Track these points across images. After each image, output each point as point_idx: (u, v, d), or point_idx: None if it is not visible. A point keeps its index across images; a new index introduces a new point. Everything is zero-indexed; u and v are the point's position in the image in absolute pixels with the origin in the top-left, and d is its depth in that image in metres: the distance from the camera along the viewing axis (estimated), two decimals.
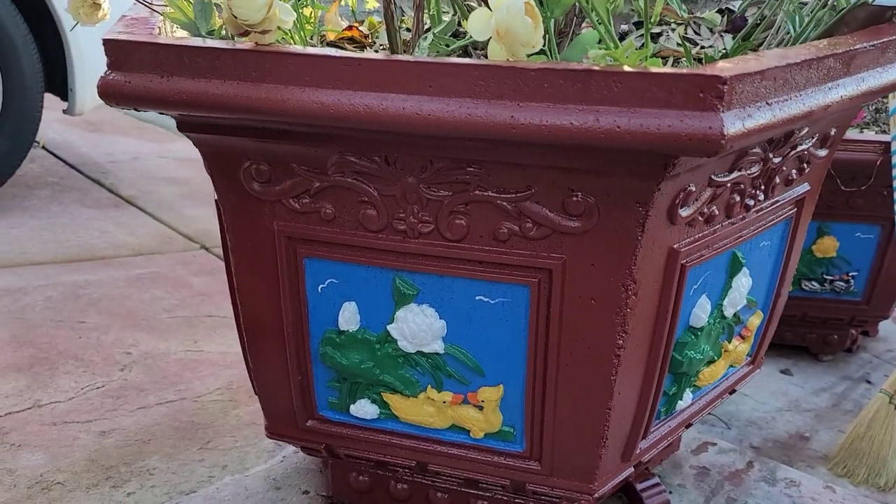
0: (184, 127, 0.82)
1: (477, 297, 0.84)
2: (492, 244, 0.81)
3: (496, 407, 0.90)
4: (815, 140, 0.94)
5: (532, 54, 0.69)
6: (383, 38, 1.07)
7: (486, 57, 0.71)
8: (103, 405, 1.57)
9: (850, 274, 1.97)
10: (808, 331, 2.06)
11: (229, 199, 0.87)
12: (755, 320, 1.05)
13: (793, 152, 0.90)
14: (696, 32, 1.13)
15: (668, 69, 0.63)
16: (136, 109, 0.80)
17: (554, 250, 0.79)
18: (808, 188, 1.00)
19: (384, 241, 0.84)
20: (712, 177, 0.80)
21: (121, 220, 2.81)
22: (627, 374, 0.85)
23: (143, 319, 2.00)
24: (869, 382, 2.02)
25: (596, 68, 0.64)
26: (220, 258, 2.54)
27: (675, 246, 0.81)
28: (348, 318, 0.89)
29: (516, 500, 1.04)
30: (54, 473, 1.33)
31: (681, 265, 0.82)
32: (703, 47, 1.03)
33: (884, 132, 1.80)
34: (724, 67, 0.63)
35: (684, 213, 0.78)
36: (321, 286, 0.89)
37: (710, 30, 1.13)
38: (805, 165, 0.96)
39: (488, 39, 0.70)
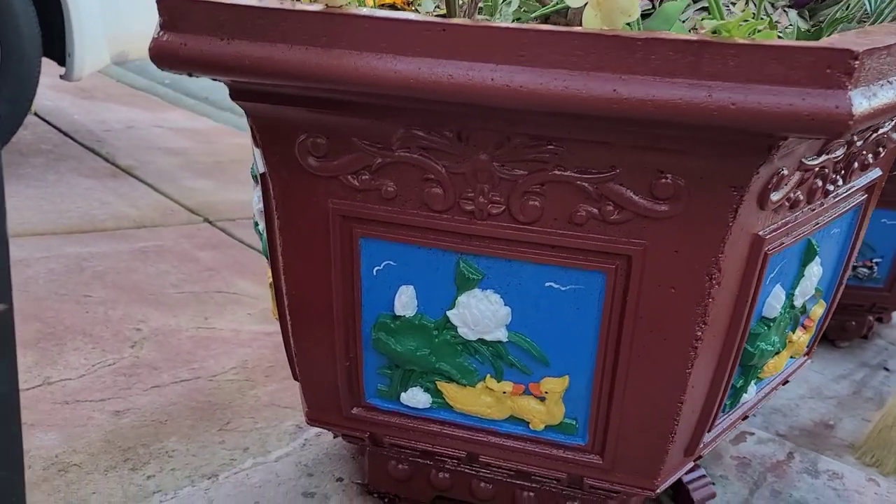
0: (238, 95, 0.76)
1: (547, 284, 0.79)
2: (567, 228, 0.76)
3: (559, 398, 0.85)
4: (893, 123, 0.89)
5: None
6: (426, 6, 1.01)
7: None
8: (116, 383, 1.51)
9: (874, 260, 1.94)
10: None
11: (281, 174, 0.81)
12: (818, 310, 1.01)
13: (874, 136, 0.86)
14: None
15: (790, 42, 0.58)
16: (189, 75, 0.74)
17: (635, 235, 0.74)
18: (880, 174, 0.96)
19: (449, 222, 0.79)
20: (803, 160, 0.75)
21: (120, 191, 2.73)
22: (702, 366, 0.81)
23: (151, 294, 1.94)
24: (887, 370, 2.00)
25: (709, 40, 0.59)
26: (225, 232, 2.48)
27: (761, 233, 0.76)
28: (405, 302, 0.84)
29: (564, 492, 1.00)
30: (70, 455, 1.28)
31: (764, 253, 0.77)
32: (774, 22, 0.98)
33: None
34: (855, 41, 0.58)
35: (775, 197, 0.74)
36: (377, 268, 0.84)
37: (772, 4, 1.07)
38: (881, 150, 0.91)
39: (580, 7, 0.64)
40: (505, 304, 0.82)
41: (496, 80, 0.63)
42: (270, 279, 1.03)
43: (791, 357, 1.02)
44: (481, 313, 0.82)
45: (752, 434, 1.36)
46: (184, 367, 1.61)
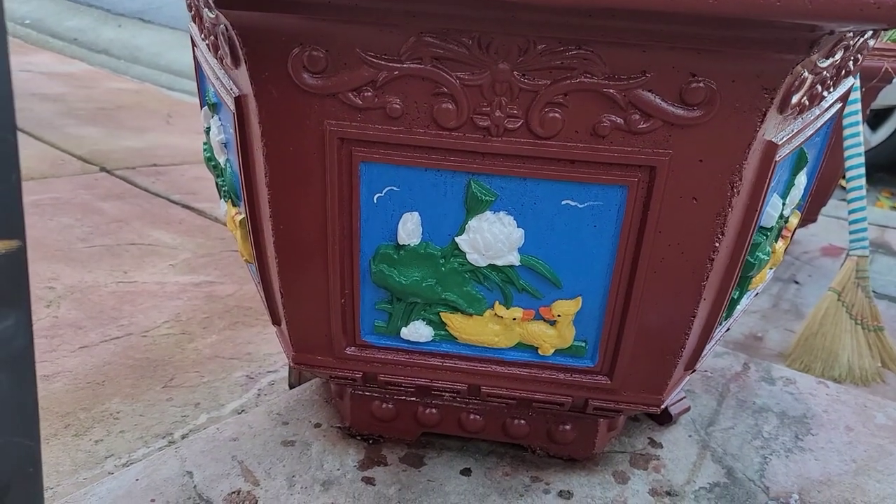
0: (223, 1, 0.67)
1: (563, 202, 0.76)
2: (588, 140, 0.72)
3: (571, 321, 0.83)
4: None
5: None
6: None
7: None
8: (38, 346, 1.38)
9: None
10: None
11: (269, 94, 0.73)
12: (794, 220, 1.03)
13: (861, 40, 0.86)
14: None
15: None
16: None
17: (660, 145, 0.71)
18: (852, 82, 0.98)
19: (461, 140, 0.73)
20: (817, 63, 0.74)
21: None
22: (713, 279, 0.81)
23: (58, 250, 1.77)
24: (797, 282, 2.13)
25: None
26: (127, 181, 2.30)
27: (774, 139, 0.75)
28: (410, 230, 0.78)
29: (557, 416, 0.99)
30: None
31: (774, 161, 0.77)
32: None
33: None
34: None
35: (794, 100, 0.73)
36: (378, 195, 0.78)
37: None
38: (860, 56, 0.93)
39: None
40: (518, 226, 0.78)
41: None
42: (239, 217, 0.94)
43: (770, 268, 1.04)
44: (494, 237, 0.77)
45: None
46: (111, 325, 1.49)
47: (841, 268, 1.70)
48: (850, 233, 1.72)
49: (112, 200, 2.12)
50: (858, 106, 1.70)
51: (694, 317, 0.81)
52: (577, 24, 0.65)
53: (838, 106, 0.96)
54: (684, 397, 1.16)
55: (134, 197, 2.17)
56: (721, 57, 0.66)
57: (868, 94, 1.87)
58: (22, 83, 3.30)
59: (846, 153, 1.73)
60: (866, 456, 1.11)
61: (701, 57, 0.66)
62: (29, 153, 2.41)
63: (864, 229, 1.71)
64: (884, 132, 3.08)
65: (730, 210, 0.75)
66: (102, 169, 2.36)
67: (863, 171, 1.73)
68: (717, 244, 0.76)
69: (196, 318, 1.55)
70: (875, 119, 3.09)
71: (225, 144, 0.93)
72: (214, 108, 0.95)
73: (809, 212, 2.10)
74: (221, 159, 0.96)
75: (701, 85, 0.68)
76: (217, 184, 1.06)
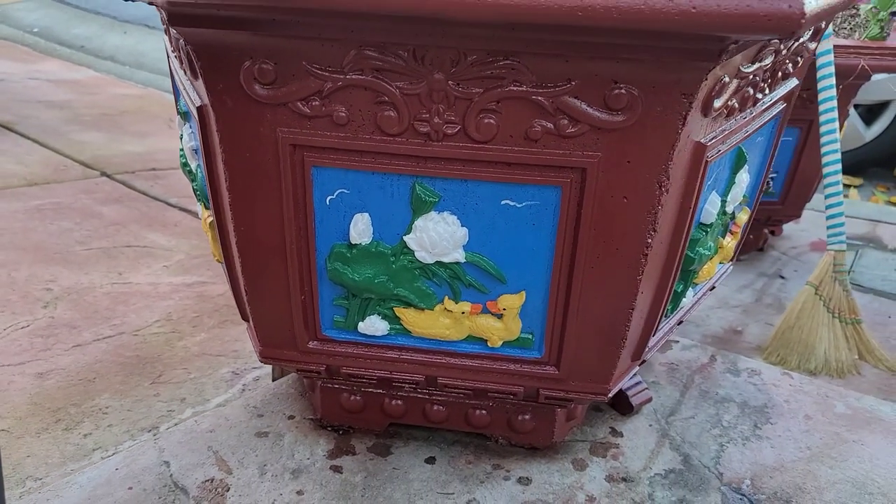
0: (177, 20, 0.72)
1: (503, 202, 0.81)
2: (522, 144, 0.77)
3: (517, 314, 0.88)
4: (811, 32, 0.94)
5: None
6: None
7: None
8: (33, 345, 1.44)
9: (770, 175, 2.05)
10: None
11: (225, 104, 0.78)
12: (743, 216, 1.07)
13: (795, 44, 0.91)
14: None
15: None
16: None
17: (589, 148, 0.76)
18: (797, 83, 1.02)
19: (404, 145, 0.78)
20: (740, 68, 0.78)
21: (2, 148, 2.54)
22: (650, 273, 0.85)
23: (56, 253, 1.84)
24: (782, 277, 2.16)
25: None
26: (126, 185, 2.36)
27: (702, 140, 0.80)
28: (361, 230, 0.84)
29: (516, 406, 1.04)
30: None
31: (705, 161, 0.81)
32: None
33: None
34: None
35: (717, 104, 0.77)
36: (330, 197, 0.83)
37: None
38: (799, 59, 0.97)
39: None
40: (462, 225, 0.82)
41: None
42: (210, 220, 0.99)
43: (720, 262, 1.08)
44: (439, 236, 0.82)
45: (677, 342, 1.44)
46: (104, 324, 1.55)
47: (819, 262, 1.73)
48: (828, 227, 1.75)
49: (111, 204, 2.18)
50: (835, 103, 1.73)
51: (633, 309, 0.86)
52: (502, 36, 0.69)
53: (781, 106, 1.00)
54: (646, 388, 1.21)
55: (132, 200, 2.23)
56: (639, 65, 0.70)
57: (847, 91, 1.90)
58: (29, 91, 3.38)
59: (823, 149, 1.76)
60: (822, 443, 1.15)
61: (620, 65, 0.71)
62: (33, 159, 2.49)
63: (842, 224, 1.75)
64: (878, 127, 3.09)
65: (660, 208, 0.79)
66: (103, 174, 2.43)
67: (839, 166, 1.76)
68: (649, 240, 0.81)
69: (186, 317, 1.61)
70: (869, 114, 3.11)
71: (195, 151, 0.98)
72: (185, 116, 1.00)
73: (793, 208, 2.13)
74: (193, 165, 1.02)
75: (623, 91, 0.72)
76: (193, 188, 1.12)
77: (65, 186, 2.29)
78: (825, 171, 1.76)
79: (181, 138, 1.07)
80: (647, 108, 0.73)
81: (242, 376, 1.41)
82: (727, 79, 0.76)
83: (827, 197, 1.75)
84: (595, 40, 0.68)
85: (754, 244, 2.25)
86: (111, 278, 1.74)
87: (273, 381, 1.32)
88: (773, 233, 2.38)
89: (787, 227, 2.45)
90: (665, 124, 0.74)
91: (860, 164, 3.20)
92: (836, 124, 1.76)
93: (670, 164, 0.76)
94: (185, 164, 1.09)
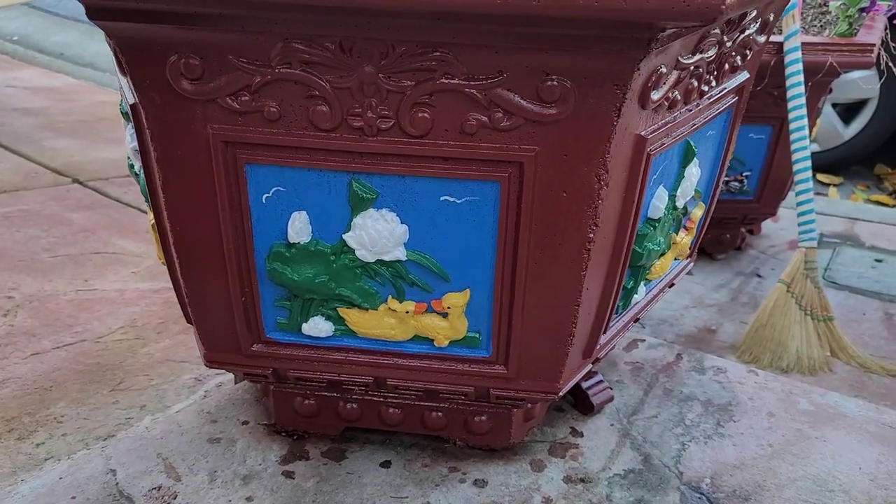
0: (97, 13, 0.70)
1: (442, 198, 0.79)
2: (458, 138, 0.75)
3: (462, 313, 0.86)
4: (758, 25, 0.93)
5: None
6: None
7: None
8: None
9: (744, 174, 2.05)
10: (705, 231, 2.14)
11: (153, 101, 0.76)
12: (698, 212, 1.05)
13: (741, 36, 0.89)
14: None
15: None
16: None
17: (525, 141, 0.75)
18: (748, 76, 1.00)
19: (338, 141, 0.76)
20: (679, 59, 0.77)
21: None
22: (595, 269, 0.83)
23: (20, 260, 1.81)
24: (759, 276, 2.15)
25: None
26: (98, 192, 2.34)
27: (643, 133, 0.78)
28: (299, 229, 0.82)
29: (472, 408, 1.02)
30: None
31: (647, 153, 0.80)
32: None
33: (777, 33, 1.85)
34: None
35: (655, 96, 0.76)
36: (266, 195, 0.81)
37: None
38: (747, 52, 0.95)
39: None
40: (402, 223, 0.81)
41: None
42: (152, 221, 0.97)
43: (676, 258, 1.06)
44: (378, 233, 0.81)
45: (643, 341, 1.43)
46: (65, 332, 1.52)
47: (791, 259, 1.72)
48: (799, 224, 1.74)
49: (81, 211, 2.16)
50: (803, 100, 1.72)
51: (578, 305, 0.84)
52: (430, 27, 0.68)
53: (732, 99, 0.99)
54: (608, 387, 1.19)
55: (104, 207, 2.21)
56: (569, 56, 0.69)
57: (815, 89, 1.89)
58: (5, 99, 3.36)
59: (792, 146, 1.75)
60: (784, 440, 1.13)
61: (550, 56, 0.69)
62: (3, 167, 2.46)
63: (813, 220, 1.74)
64: (856, 126, 3.09)
65: (600, 202, 0.78)
66: (75, 180, 2.40)
67: (809, 163, 1.74)
68: (591, 235, 0.79)
69: (151, 324, 1.59)
70: (847, 113, 3.11)
71: (136, 151, 0.97)
72: (126, 116, 0.98)
73: (768, 206, 2.12)
74: (137, 165, 1.00)
75: (555, 83, 0.71)
76: (140, 190, 1.10)
77: (34, 193, 2.26)
78: (795, 167, 1.75)
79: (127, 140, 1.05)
80: (581, 100, 0.71)
81: (205, 382, 1.39)
82: (664, 69, 0.75)
83: (797, 194, 1.74)
84: (522, 30, 0.67)
85: (732, 243, 2.23)
86: (76, 285, 1.72)
87: (236, 383, 1.30)
88: (751, 232, 2.37)
89: (766, 226, 2.44)
90: (600, 116, 0.72)
91: (840, 163, 3.20)
92: (805, 121, 1.75)
93: (608, 157, 0.75)
94: (131, 167, 1.07)
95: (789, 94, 1.62)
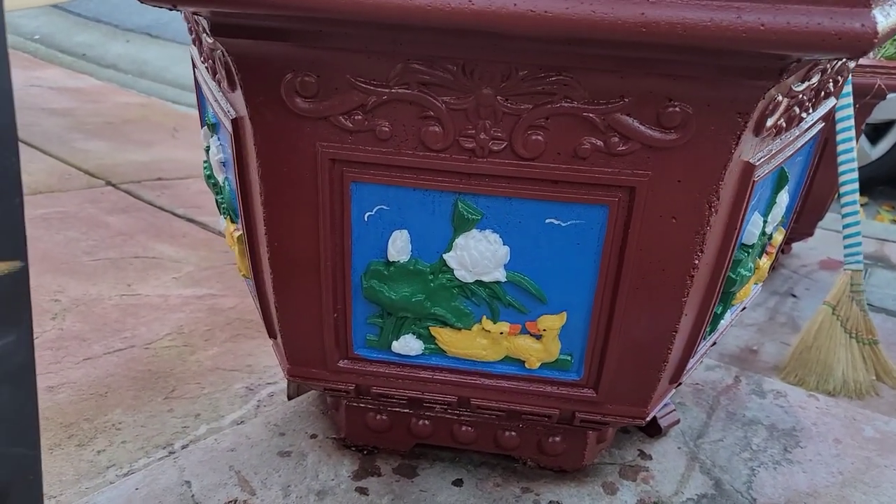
0: (219, 30, 0.70)
1: (547, 221, 0.78)
2: (570, 162, 0.75)
3: (556, 335, 0.86)
4: None
5: None
6: None
7: None
8: (43, 358, 1.41)
9: None
10: None
11: (264, 117, 0.76)
12: (778, 237, 1.05)
13: (839, 63, 0.89)
14: None
15: None
16: (171, 8, 0.67)
17: (639, 167, 0.74)
18: (834, 102, 1.00)
19: (447, 162, 0.76)
20: (792, 86, 0.77)
21: None
22: (694, 295, 0.83)
23: (63, 263, 1.80)
24: (794, 296, 2.14)
25: None
26: (132, 195, 2.34)
27: (752, 160, 0.78)
28: (400, 247, 0.81)
29: (547, 429, 1.01)
30: None
31: (752, 181, 0.79)
32: None
33: None
34: None
35: (769, 123, 0.75)
36: (368, 214, 0.81)
37: None
38: (839, 78, 0.95)
39: None
40: (504, 244, 0.80)
41: (519, 6, 0.61)
42: (237, 234, 0.97)
43: (755, 283, 1.06)
44: (480, 254, 0.80)
45: (700, 362, 1.42)
46: (115, 337, 1.51)
47: (836, 282, 1.72)
48: (845, 247, 1.74)
49: (117, 214, 2.15)
50: (852, 122, 1.72)
51: (676, 331, 0.84)
52: (556, 51, 0.67)
53: (820, 126, 0.98)
54: (674, 409, 1.18)
55: (139, 211, 2.21)
56: (695, 83, 0.68)
57: (862, 111, 1.89)
58: (31, 98, 3.35)
59: (840, 168, 1.74)
60: (853, 468, 1.13)
61: (676, 83, 0.69)
62: (37, 167, 2.46)
63: (859, 244, 1.73)
64: (884, 146, 3.09)
65: (708, 228, 0.77)
66: (108, 183, 2.40)
67: (856, 185, 1.74)
68: (696, 261, 0.79)
69: (198, 331, 1.58)
70: (875, 133, 3.11)
71: (223, 163, 0.96)
72: (213, 128, 0.98)
73: (805, 226, 2.12)
74: (220, 177, 1.00)
75: (677, 109, 0.70)
76: (217, 201, 1.10)
77: (70, 195, 2.26)
78: (842, 190, 1.75)
79: (206, 150, 1.04)
80: (701, 127, 0.71)
81: (257, 392, 1.38)
82: (780, 97, 0.75)
83: (844, 216, 1.74)
84: (651, 56, 0.67)
85: None
86: (120, 290, 1.71)
87: (289, 398, 1.29)
88: (783, 251, 2.37)
89: (797, 246, 2.44)
90: (718, 143, 0.72)
91: (865, 183, 3.19)
92: (854, 143, 1.75)
93: (721, 184, 0.74)
94: (209, 177, 1.06)
95: (838, 115, 1.61)
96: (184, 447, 1.17)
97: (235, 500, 0.97)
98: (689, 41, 0.60)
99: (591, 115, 0.72)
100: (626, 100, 0.71)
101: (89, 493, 1.02)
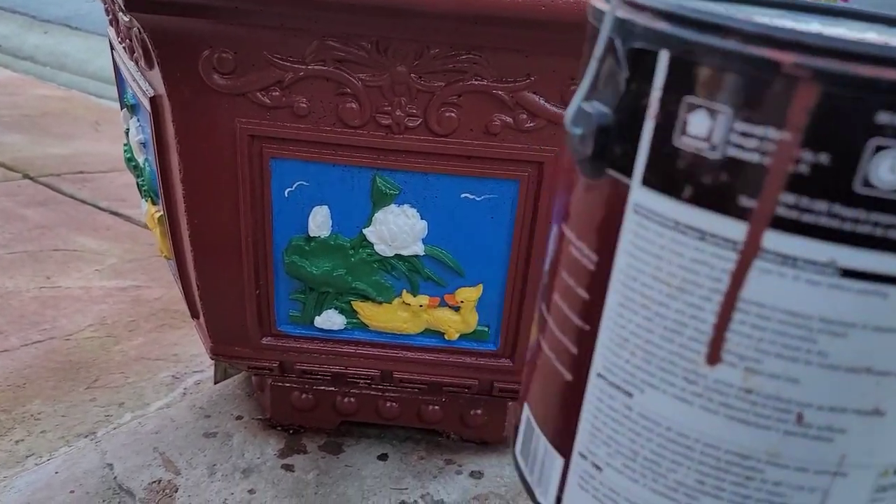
0: (135, 5, 0.71)
1: (462, 195, 0.82)
2: (482, 138, 0.78)
3: (474, 307, 0.89)
4: None
5: None
6: None
7: None
8: None
9: None
10: None
11: (182, 93, 0.77)
12: None
13: None
14: None
15: None
16: None
17: (547, 142, 0.78)
18: None
19: (365, 138, 0.79)
20: None
21: None
22: None
23: None
24: None
25: None
26: (51, 188, 2.28)
27: None
28: (320, 223, 0.83)
29: (469, 402, 1.05)
30: None
31: None
32: None
33: None
34: None
35: None
36: (289, 190, 0.82)
37: None
38: None
39: None
40: (422, 219, 0.83)
41: None
42: (157, 215, 0.97)
43: None
44: (399, 228, 0.83)
45: None
46: (33, 329, 1.48)
47: None
48: None
49: (35, 207, 2.10)
50: None
51: None
52: (466, 30, 0.71)
53: None
54: None
55: (59, 204, 2.15)
56: None
57: None
58: None
59: None
60: None
61: (577, 62, 0.73)
62: None
63: None
64: None
65: None
66: (25, 176, 2.33)
67: None
68: None
69: (122, 322, 1.56)
70: None
71: (143, 144, 0.96)
72: (133, 109, 0.98)
73: None
74: (141, 159, 1.00)
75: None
76: (138, 184, 1.09)
77: None
78: None
79: (126, 132, 1.04)
80: None
81: (183, 380, 1.38)
82: None
83: None
84: (554, 37, 0.71)
85: None
86: (38, 282, 1.68)
87: (215, 382, 1.29)
88: None
89: None
90: None
91: None
92: None
93: None
94: (129, 160, 1.06)
95: None
96: (109, 433, 1.16)
97: (160, 481, 0.98)
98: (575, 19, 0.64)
99: (500, 92, 0.76)
100: (532, 78, 0.75)
101: (6, 481, 1.01)
